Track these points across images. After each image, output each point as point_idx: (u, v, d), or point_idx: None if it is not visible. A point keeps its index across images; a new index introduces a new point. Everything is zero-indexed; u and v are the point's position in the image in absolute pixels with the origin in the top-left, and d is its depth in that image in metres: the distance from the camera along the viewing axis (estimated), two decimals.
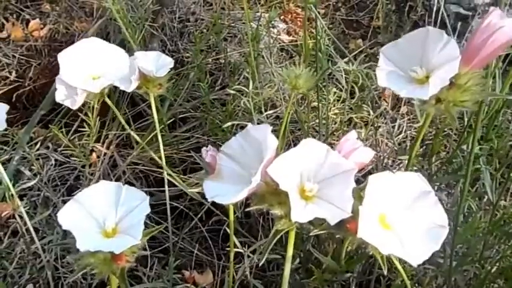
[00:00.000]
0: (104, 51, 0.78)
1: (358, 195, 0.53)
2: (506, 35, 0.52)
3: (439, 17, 1.25)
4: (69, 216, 0.52)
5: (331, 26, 1.69)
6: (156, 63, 0.84)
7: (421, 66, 0.54)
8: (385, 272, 0.53)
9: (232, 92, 0.99)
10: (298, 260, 1.03)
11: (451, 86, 0.53)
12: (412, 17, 1.40)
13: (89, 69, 0.76)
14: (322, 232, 0.55)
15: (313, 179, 0.54)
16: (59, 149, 1.33)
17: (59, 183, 1.30)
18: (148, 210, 0.53)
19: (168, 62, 0.85)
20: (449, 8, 1.43)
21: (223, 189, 0.56)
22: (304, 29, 1.02)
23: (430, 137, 1.09)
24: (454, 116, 0.53)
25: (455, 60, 0.51)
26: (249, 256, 0.84)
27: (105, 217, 0.53)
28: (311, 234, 0.55)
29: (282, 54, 1.56)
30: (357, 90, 1.08)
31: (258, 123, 1.17)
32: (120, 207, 0.54)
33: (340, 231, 0.54)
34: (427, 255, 0.51)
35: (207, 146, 0.61)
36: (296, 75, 0.80)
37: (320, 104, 1.19)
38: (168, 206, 0.93)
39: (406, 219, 0.53)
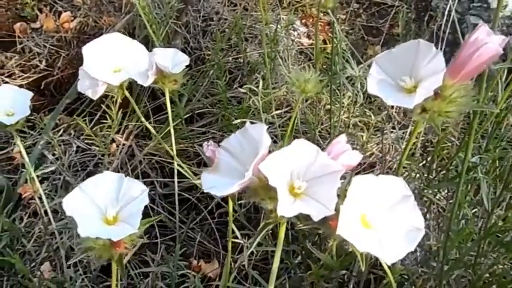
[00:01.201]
0: (125, 47, 0.82)
1: (343, 195, 0.57)
2: (490, 51, 0.55)
3: (456, 27, 1.26)
4: (73, 203, 0.55)
5: (351, 31, 1.72)
6: (173, 60, 0.89)
7: (411, 77, 0.57)
8: (363, 269, 0.56)
9: (243, 90, 1.03)
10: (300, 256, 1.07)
11: (437, 96, 0.56)
12: (432, 27, 1.41)
13: (111, 62, 0.80)
14: (306, 227, 0.59)
15: (302, 177, 0.57)
16: (81, 137, 1.41)
17: (79, 168, 1.37)
18: (147, 201, 0.56)
19: (183, 59, 0.89)
20: (469, 19, 1.43)
21: (220, 182, 0.59)
22: (315, 34, 1.05)
23: (433, 145, 1.12)
24: (438, 125, 0.56)
25: (440, 73, 0.54)
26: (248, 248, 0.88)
27: (107, 205, 0.56)
28: (296, 228, 0.58)
29: (300, 57, 1.60)
30: (361, 95, 1.11)
31: (269, 123, 1.21)
32: (122, 197, 0.57)
33: (323, 227, 0.58)
34: (402, 255, 0.54)
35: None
36: (305, 79, 0.83)
37: (334, 107, 1.22)
38: (176, 197, 0.98)
39: (386, 220, 0.56)
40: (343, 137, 0.61)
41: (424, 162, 1.08)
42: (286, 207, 0.55)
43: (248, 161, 0.58)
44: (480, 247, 0.89)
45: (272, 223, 0.59)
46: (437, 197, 1.04)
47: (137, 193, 0.57)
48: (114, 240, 0.54)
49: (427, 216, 1.04)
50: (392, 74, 0.59)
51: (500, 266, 0.95)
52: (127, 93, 0.84)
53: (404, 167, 1.05)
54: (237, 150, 0.61)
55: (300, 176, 0.57)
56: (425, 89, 0.55)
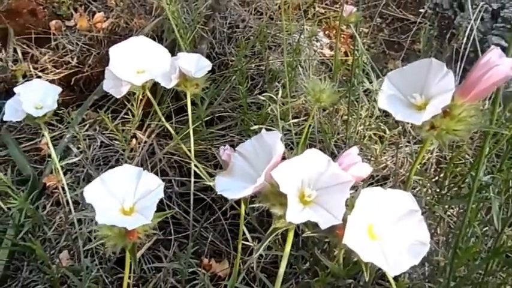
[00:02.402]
0: (150, 50, 0.86)
1: (352, 205, 0.58)
2: (501, 73, 0.56)
3: (476, 46, 1.26)
4: (93, 192, 0.57)
5: (372, 45, 1.74)
6: (196, 65, 0.92)
7: (421, 94, 0.59)
8: (367, 279, 0.58)
9: (262, 98, 1.06)
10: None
11: (446, 114, 0.58)
12: (453, 44, 1.42)
13: (135, 64, 0.83)
14: (314, 234, 0.61)
15: (313, 185, 0.59)
16: (106, 132, 1.46)
17: (101, 162, 1.42)
18: (162, 195, 0.59)
19: (206, 64, 0.92)
20: (491, 39, 1.43)
21: (232, 185, 0.61)
22: (336, 47, 1.08)
23: (447, 161, 1.12)
24: (445, 142, 0.58)
25: (449, 92, 0.55)
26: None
27: (124, 197, 0.58)
28: (304, 235, 0.61)
29: (321, 68, 1.62)
30: (376, 109, 1.12)
31: (287, 130, 1.24)
32: (139, 189, 0.59)
33: (330, 235, 0.60)
34: (406, 268, 0.55)
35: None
36: (320, 89, 0.86)
37: (351, 118, 1.24)
38: (192, 196, 1.01)
39: (392, 233, 0.57)
40: (354, 149, 0.63)
41: (437, 178, 1.08)
42: (295, 214, 0.57)
43: (261, 167, 0.60)
44: (488, 266, 0.90)
45: (280, 228, 0.62)
46: (448, 214, 1.05)
47: (153, 187, 0.59)
48: (128, 229, 0.56)
49: (438, 231, 1.05)
50: (403, 90, 0.61)
51: (508, 287, 0.96)
52: (149, 94, 0.87)
53: (416, 182, 1.07)
54: (251, 156, 0.63)
55: (310, 184, 0.59)
56: (434, 106, 0.57)
